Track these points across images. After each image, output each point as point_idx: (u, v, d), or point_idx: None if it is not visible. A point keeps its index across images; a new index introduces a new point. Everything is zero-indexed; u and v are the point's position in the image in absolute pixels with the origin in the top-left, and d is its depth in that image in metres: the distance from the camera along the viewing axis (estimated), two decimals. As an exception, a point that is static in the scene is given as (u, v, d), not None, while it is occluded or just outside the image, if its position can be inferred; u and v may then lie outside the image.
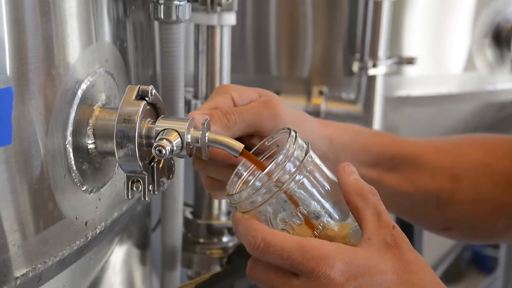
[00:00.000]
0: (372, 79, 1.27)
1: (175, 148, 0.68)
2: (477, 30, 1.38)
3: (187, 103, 0.98)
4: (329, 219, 0.72)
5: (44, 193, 0.66)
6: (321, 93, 1.30)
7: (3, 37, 0.57)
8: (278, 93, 1.32)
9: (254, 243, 0.70)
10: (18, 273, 0.62)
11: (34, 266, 0.64)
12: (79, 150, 0.70)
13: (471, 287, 3.14)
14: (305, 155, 0.70)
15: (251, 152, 0.75)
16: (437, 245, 1.94)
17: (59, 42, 0.66)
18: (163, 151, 0.67)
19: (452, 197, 1.02)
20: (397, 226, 0.70)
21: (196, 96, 0.98)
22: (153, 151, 0.68)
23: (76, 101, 0.69)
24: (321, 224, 0.71)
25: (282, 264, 0.69)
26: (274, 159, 0.70)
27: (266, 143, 0.78)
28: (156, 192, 0.73)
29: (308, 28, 1.34)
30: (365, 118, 1.29)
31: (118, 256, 0.95)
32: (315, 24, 1.34)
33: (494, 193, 1.02)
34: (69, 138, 0.69)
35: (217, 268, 1.01)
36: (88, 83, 0.71)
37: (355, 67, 1.28)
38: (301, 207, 0.71)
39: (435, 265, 2.02)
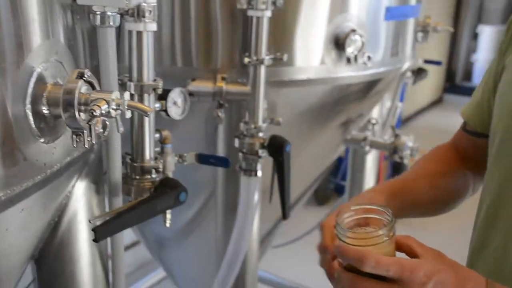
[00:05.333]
0: (257, 69, 1.25)
1: (103, 112, 0.65)
2: (327, 38, 1.37)
3: (124, 84, 0.94)
4: None
5: (12, 143, 0.64)
6: (223, 78, 1.28)
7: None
8: (194, 79, 1.29)
9: (368, 261, 0.71)
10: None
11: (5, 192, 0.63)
12: (37, 114, 0.68)
13: (330, 206, 3.13)
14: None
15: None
16: (307, 176, 1.91)
17: (24, 38, 0.65)
18: (94, 113, 0.64)
19: None
20: None
21: (130, 80, 0.94)
22: (88, 113, 0.65)
23: (33, 79, 0.67)
24: None
25: (386, 274, 0.72)
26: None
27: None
28: (94, 142, 0.70)
29: (218, 35, 1.30)
30: (253, 95, 1.27)
31: (80, 189, 0.93)
32: (223, 32, 1.30)
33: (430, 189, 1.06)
34: (29, 106, 0.66)
35: (147, 194, 0.98)
36: (42, 67, 0.67)
37: (246, 61, 1.25)
38: None
39: (306, 190, 1.97)
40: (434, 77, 6.83)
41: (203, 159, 1.04)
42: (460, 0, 7.11)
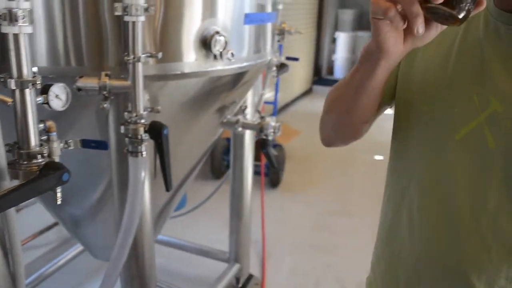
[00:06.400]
0: (135, 66, 1.20)
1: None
2: (197, 38, 1.35)
3: (5, 81, 0.86)
4: None
5: None
6: (106, 75, 1.21)
7: None
8: (82, 76, 1.22)
9: None
10: None
11: None
12: None
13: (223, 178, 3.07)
14: None
15: None
16: (193, 155, 1.88)
17: None
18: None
19: None
20: None
21: (10, 78, 0.86)
22: None
23: None
24: None
25: None
26: None
27: None
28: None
29: (106, 38, 1.24)
30: (133, 88, 1.22)
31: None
32: (109, 35, 1.24)
33: None
34: None
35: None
36: None
37: (126, 59, 1.20)
38: None
39: (195, 166, 1.94)
40: (305, 72, 7.03)
41: (86, 143, 0.98)
42: (321, 13, 7.38)
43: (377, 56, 0.66)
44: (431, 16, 0.59)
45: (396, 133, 0.84)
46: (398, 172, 0.84)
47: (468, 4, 0.58)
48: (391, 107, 0.86)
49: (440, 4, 0.57)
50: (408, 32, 0.62)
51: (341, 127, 0.86)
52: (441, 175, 0.74)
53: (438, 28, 0.63)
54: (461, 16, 0.58)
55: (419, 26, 0.58)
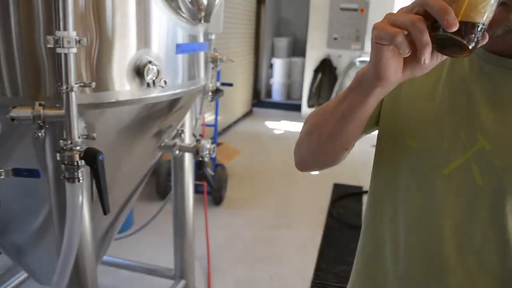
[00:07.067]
0: (69, 95, 1.18)
1: None
2: (130, 68, 1.35)
3: None
4: None
5: None
6: (40, 104, 1.18)
7: None
8: (15, 106, 1.18)
9: None
10: None
11: None
12: None
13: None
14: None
15: None
16: (133, 178, 1.85)
17: None
18: None
19: None
20: None
21: None
22: None
23: None
24: None
25: None
26: None
27: None
28: None
29: (41, 68, 1.22)
30: (68, 117, 1.19)
31: None
32: (44, 66, 1.22)
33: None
34: None
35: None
36: None
37: (59, 89, 1.18)
38: None
39: (136, 189, 1.91)
40: (245, 95, 7.12)
41: (17, 172, 0.95)
42: (258, 41, 7.55)
43: (373, 84, 0.60)
44: (438, 46, 0.54)
45: (380, 165, 0.79)
46: (381, 204, 0.79)
47: (478, 35, 0.53)
48: (366, 134, 0.81)
49: (451, 33, 0.52)
50: (408, 60, 0.57)
51: (321, 152, 0.78)
52: (428, 209, 0.70)
53: (438, 58, 0.58)
54: (471, 46, 0.53)
55: (427, 56, 0.53)
